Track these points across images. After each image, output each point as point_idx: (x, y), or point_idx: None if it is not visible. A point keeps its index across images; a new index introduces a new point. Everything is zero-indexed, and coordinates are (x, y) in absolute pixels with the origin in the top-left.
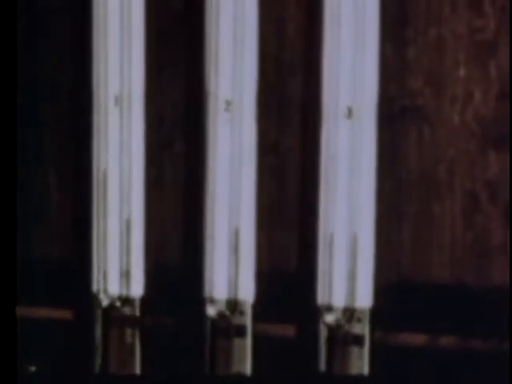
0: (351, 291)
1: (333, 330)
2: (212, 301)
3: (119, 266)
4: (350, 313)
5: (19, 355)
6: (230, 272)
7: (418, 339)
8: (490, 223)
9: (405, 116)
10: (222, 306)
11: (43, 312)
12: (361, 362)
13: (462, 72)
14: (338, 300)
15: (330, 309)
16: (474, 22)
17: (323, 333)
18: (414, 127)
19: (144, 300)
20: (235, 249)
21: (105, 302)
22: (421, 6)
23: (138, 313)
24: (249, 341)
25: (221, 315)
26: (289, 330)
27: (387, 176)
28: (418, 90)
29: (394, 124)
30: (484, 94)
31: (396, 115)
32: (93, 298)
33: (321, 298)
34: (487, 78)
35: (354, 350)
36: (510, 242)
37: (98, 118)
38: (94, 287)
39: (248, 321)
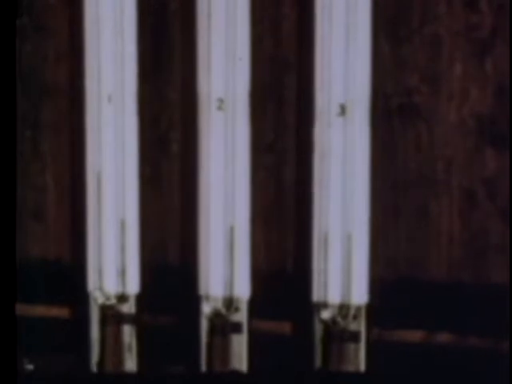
0: (347, 288)
1: (329, 326)
2: (208, 298)
3: (115, 264)
4: (345, 310)
5: (17, 353)
6: (226, 270)
7: (414, 336)
8: (487, 221)
9: (401, 113)
10: (218, 304)
11: (40, 310)
12: (357, 359)
13: (458, 69)
14: (334, 297)
15: (325, 306)
16: (470, 19)
17: (319, 329)
18: (411, 125)
19: (140, 298)
20: (231, 247)
21: (101, 300)
22: (416, 3)
23: (133, 310)
24: (245, 338)
25: (217, 312)
26: (285, 327)
27: (383, 174)
28: (414, 88)
29: (391, 121)
30: (480, 91)
31: (393, 113)
32: (89, 296)
33: (316, 295)
34: (483, 75)
35: (350, 346)
36: (510, 240)
37: (91, 118)
38: (90, 285)
39: (244, 318)
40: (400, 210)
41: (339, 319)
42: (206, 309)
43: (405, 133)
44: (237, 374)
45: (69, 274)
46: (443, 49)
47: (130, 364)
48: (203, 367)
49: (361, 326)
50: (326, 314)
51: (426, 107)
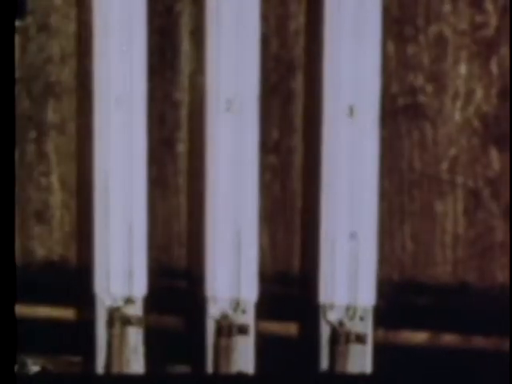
0: (353, 289)
1: (335, 328)
2: (214, 300)
3: (122, 265)
4: (352, 311)
5: (20, 355)
6: (233, 271)
7: (420, 337)
8: (492, 221)
9: (406, 114)
10: (225, 306)
11: (46, 312)
12: (363, 361)
13: (463, 69)
14: (341, 298)
15: (332, 307)
16: (475, 19)
17: (326, 331)
18: (416, 125)
19: (147, 299)
20: (238, 248)
21: (108, 302)
22: (421, 3)
23: (140, 312)
24: (251, 339)
25: (223, 314)
26: (291, 329)
27: (389, 174)
28: (419, 88)
29: (396, 122)
30: (486, 91)
31: (397, 113)
32: (95, 298)
33: (323, 297)
34: (489, 75)
35: (357, 348)
36: (510, 239)
37: (99, 118)
38: (97, 287)
39: (250, 319)
40: (407, 211)
41: (346, 321)
42: (213, 311)
43: (410, 133)
44: (243, 375)
45: (75, 275)
46: (448, 48)
47: (137, 366)
48: (209, 369)
49: (367, 328)
50: (332, 316)
51: (431, 107)
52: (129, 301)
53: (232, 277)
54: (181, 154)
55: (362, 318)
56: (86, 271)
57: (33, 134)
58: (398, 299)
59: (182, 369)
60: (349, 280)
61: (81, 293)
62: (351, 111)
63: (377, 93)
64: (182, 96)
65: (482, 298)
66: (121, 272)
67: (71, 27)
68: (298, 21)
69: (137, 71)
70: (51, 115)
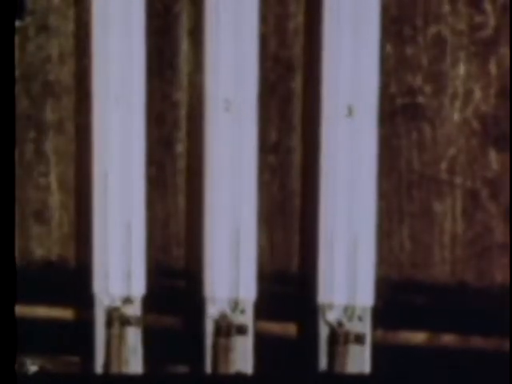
0: (352, 289)
1: (334, 328)
2: (213, 300)
3: (121, 265)
4: (351, 311)
5: (19, 355)
6: (232, 271)
7: (418, 337)
8: (490, 221)
9: (405, 114)
10: (224, 306)
11: (45, 312)
12: (362, 361)
13: (462, 69)
14: (339, 298)
15: (331, 307)
16: (473, 19)
17: (324, 331)
18: (414, 125)
19: (145, 299)
20: (236, 248)
21: (106, 302)
22: (420, 3)
23: (139, 312)
24: (250, 339)
25: (222, 314)
26: (290, 329)
27: (387, 175)
28: (417, 88)
29: (394, 122)
30: (484, 91)
31: (396, 113)
32: (94, 298)
33: (322, 297)
34: (487, 76)
35: (355, 348)
36: (510, 240)
37: (98, 118)
38: (96, 287)
39: (249, 319)
40: (405, 211)
41: (345, 321)
42: (212, 311)
43: (408, 133)
44: (242, 375)
45: (74, 275)
46: (447, 49)
47: (135, 366)
48: (208, 369)
49: (366, 328)
50: (331, 316)
51: (430, 107)
52: (127, 301)
53: (231, 277)
54: (179, 154)
55: (360, 318)
56: (85, 271)
57: (32, 134)
58: (397, 299)
59: (181, 369)
60: (347, 280)
61: (79, 293)
62: (350, 111)
63: (375, 93)
64: (181, 96)
65: (480, 298)
66: (119, 272)
67: (70, 27)
68: (297, 20)
69: (136, 71)
70: (50, 115)
